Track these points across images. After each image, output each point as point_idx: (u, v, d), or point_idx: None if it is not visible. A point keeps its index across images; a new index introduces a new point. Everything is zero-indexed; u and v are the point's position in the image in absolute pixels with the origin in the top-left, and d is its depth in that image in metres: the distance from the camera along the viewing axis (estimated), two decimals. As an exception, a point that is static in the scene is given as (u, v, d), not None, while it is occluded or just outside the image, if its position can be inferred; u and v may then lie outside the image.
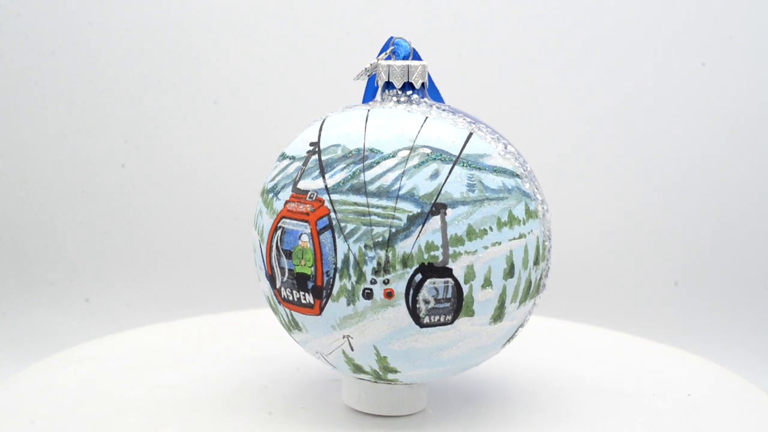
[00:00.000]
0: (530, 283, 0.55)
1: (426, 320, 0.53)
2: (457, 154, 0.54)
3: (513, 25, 1.21)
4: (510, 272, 0.54)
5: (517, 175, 0.55)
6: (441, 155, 0.53)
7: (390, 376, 0.56)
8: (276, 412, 0.62)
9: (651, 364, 0.74)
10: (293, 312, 0.55)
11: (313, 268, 0.53)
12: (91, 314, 1.18)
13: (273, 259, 0.55)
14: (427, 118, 0.55)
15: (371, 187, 0.53)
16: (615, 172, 1.22)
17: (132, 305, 1.19)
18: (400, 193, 0.52)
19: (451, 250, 0.52)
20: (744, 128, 1.20)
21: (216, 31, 1.22)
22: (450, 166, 0.53)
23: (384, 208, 0.52)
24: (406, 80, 0.58)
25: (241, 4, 1.21)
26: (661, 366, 0.74)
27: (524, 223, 0.54)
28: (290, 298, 0.55)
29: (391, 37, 0.58)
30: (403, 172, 0.53)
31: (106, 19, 1.21)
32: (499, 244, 0.53)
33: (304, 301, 0.54)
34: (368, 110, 0.56)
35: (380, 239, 0.52)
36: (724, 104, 1.20)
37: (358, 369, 0.56)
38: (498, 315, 0.54)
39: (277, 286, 0.55)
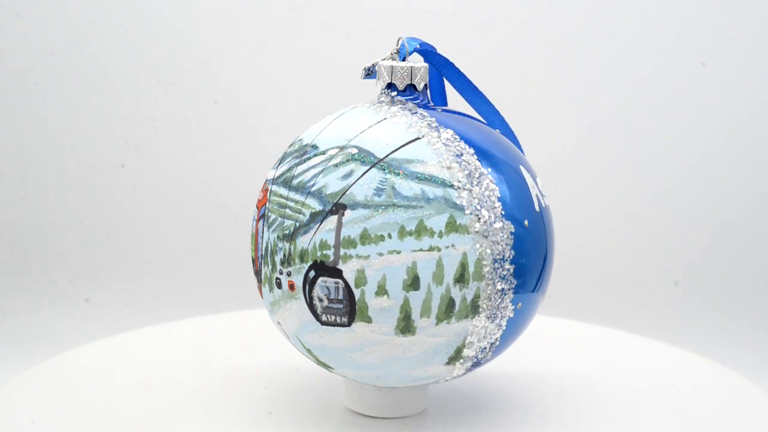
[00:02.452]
0: (451, 300, 0.52)
1: (324, 318, 0.53)
2: (381, 157, 0.53)
3: (513, 25, 1.21)
4: (413, 285, 0.51)
5: (450, 186, 0.52)
6: (364, 157, 0.53)
7: (334, 372, 0.57)
8: (276, 412, 0.62)
9: (651, 363, 0.74)
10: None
11: (253, 254, 0.57)
12: (91, 314, 1.18)
13: None
14: (384, 119, 0.55)
15: (294, 182, 0.54)
16: (615, 172, 1.22)
17: (132, 305, 1.19)
18: (312, 189, 0.53)
19: (342, 252, 0.52)
20: (744, 128, 1.20)
21: (216, 31, 1.22)
22: (367, 168, 0.53)
23: (296, 202, 0.54)
24: (408, 82, 0.57)
25: (241, 4, 1.21)
26: (662, 365, 0.74)
27: (441, 236, 0.51)
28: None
29: (412, 38, 0.58)
30: (322, 170, 0.53)
31: (106, 19, 1.21)
32: (398, 253, 0.51)
33: (256, 285, 0.58)
34: (351, 109, 0.57)
35: (287, 232, 0.54)
36: (724, 104, 1.20)
37: (314, 359, 0.57)
38: (405, 327, 0.52)
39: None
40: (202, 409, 0.62)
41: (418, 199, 0.52)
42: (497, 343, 0.55)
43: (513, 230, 0.53)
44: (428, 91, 0.59)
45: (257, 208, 0.57)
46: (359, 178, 0.52)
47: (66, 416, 0.61)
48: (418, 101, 0.57)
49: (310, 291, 0.53)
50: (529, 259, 0.54)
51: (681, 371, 0.73)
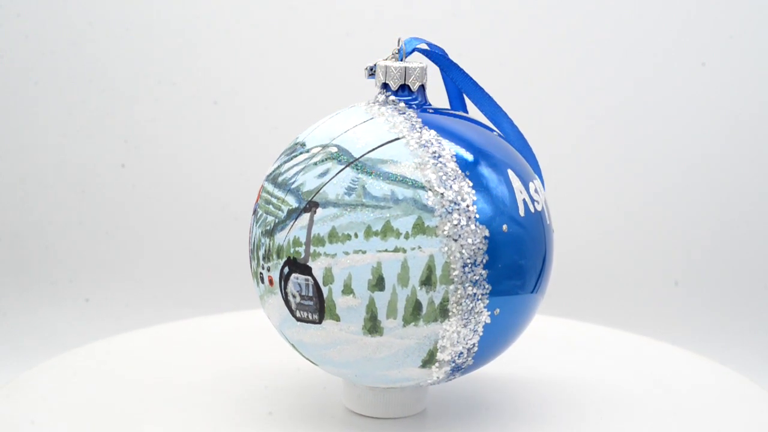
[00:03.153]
0: (417, 303, 0.52)
1: (297, 314, 0.54)
2: (357, 156, 0.53)
3: (513, 25, 1.21)
4: (378, 285, 0.52)
5: (421, 187, 0.52)
6: (341, 156, 0.53)
7: (320, 367, 0.57)
8: (276, 412, 0.62)
9: (652, 362, 0.74)
10: None
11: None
12: (91, 314, 1.18)
13: None
14: (371, 119, 0.55)
15: (280, 179, 0.55)
16: (615, 171, 1.22)
17: (132, 305, 1.19)
18: (292, 186, 0.54)
19: (312, 249, 0.52)
20: (744, 128, 1.20)
21: (216, 31, 1.22)
22: (342, 167, 0.53)
23: (278, 199, 0.55)
24: (402, 82, 0.57)
25: (241, 4, 1.21)
26: (662, 364, 0.74)
27: (408, 238, 0.51)
28: None
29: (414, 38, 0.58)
30: (303, 168, 0.54)
31: (106, 19, 1.21)
32: (364, 252, 0.51)
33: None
34: (348, 108, 0.58)
35: (268, 228, 0.55)
36: (724, 104, 1.20)
37: (299, 354, 0.58)
38: (372, 328, 0.52)
39: None
40: (202, 409, 0.62)
41: (386, 199, 0.52)
42: (475, 348, 0.54)
43: (487, 235, 0.52)
44: (425, 92, 0.58)
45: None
46: (333, 177, 0.53)
47: (66, 416, 0.61)
48: (412, 102, 0.57)
49: (285, 287, 0.54)
50: (509, 264, 0.53)
51: (681, 371, 0.73)
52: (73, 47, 1.21)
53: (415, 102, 0.57)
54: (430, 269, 0.51)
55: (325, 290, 0.52)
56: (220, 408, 0.63)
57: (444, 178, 0.52)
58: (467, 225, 0.52)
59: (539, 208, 0.55)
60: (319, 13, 1.21)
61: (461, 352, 0.54)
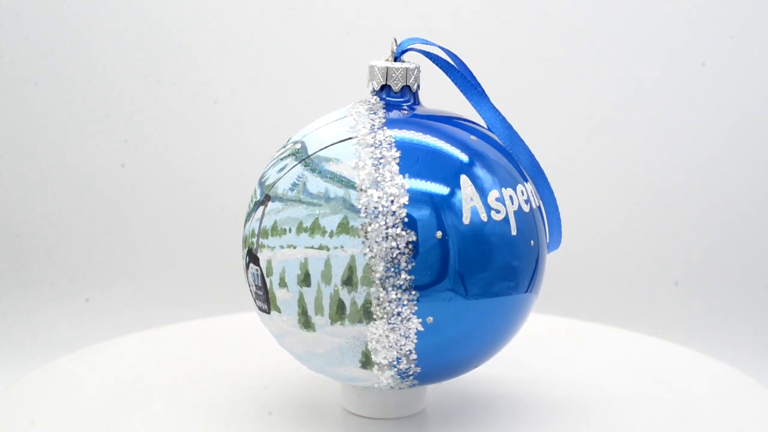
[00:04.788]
0: (341, 302, 0.52)
1: (256, 303, 0.56)
2: (309, 153, 0.54)
3: (513, 26, 1.21)
4: (305, 281, 0.52)
5: (353, 187, 0.51)
6: (300, 152, 0.55)
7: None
8: (276, 412, 0.62)
9: (652, 361, 0.74)
10: None
11: None
12: (91, 314, 1.18)
13: None
14: (344, 117, 0.56)
15: (262, 173, 0.57)
16: (615, 171, 1.22)
17: (132, 305, 1.19)
18: (262, 179, 0.56)
19: (261, 241, 0.54)
20: (744, 128, 1.20)
21: (216, 31, 1.22)
22: (296, 163, 0.54)
23: (254, 191, 0.56)
24: (383, 82, 0.57)
25: (241, 4, 1.21)
26: (663, 363, 0.74)
27: (332, 236, 0.51)
28: None
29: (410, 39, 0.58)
30: (274, 162, 0.56)
31: (106, 19, 1.21)
32: (294, 247, 0.52)
33: None
34: (342, 108, 0.58)
35: (245, 219, 0.57)
36: (724, 104, 1.20)
37: None
38: (305, 323, 0.53)
39: None
40: (203, 409, 0.62)
41: (320, 197, 0.52)
42: (413, 355, 0.53)
43: (414, 240, 0.51)
44: (413, 92, 0.57)
45: None
46: (287, 172, 0.54)
47: (66, 417, 0.61)
48: (403, 102, 0.57)
49: (247, 276, 0.56)
50: (444, 271, 0.51)
51: (682, 370, 0.73)
52: (73, 47, 1.21)
53: (407, 103, 0.57)
54: (351, 269, 0.51)
55: (268, 282, 0.54)
56: (221, 408, 0.63)
57: (379, 179, 0.51)
58: (392, 228, 0.51)
59: (499, 218, 0.53)
60: (319, 13, 1.21)
61: (398, 358, 0.53)
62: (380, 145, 0.53)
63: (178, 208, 1.23)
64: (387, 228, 0.51)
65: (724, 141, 1.20)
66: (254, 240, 0.54)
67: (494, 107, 0.58)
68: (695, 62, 1.19)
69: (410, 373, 0.54)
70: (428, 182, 0.52)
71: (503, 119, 0.58)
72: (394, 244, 0.51)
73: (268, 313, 0.55)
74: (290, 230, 0.52)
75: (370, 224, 0.51)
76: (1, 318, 1.17)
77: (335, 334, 0.53)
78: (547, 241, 0.58)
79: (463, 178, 0.53)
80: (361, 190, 0.51)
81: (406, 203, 0.51)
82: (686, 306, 1.19)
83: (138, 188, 1.23)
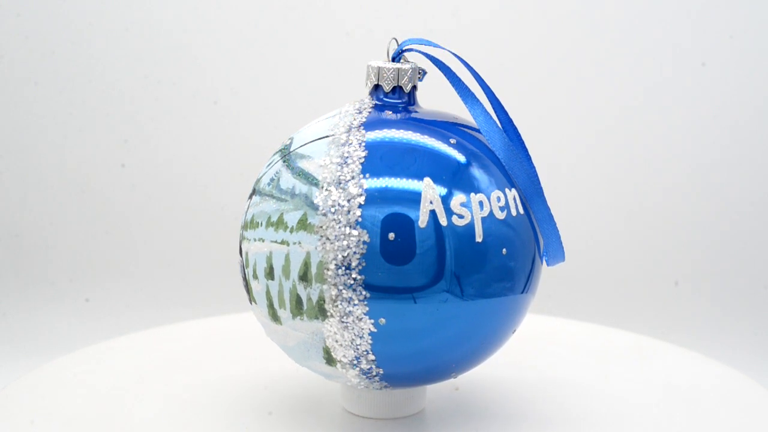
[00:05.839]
0: (299, 297, 0.52)
1: (246, 293, 0.57)
2: (291, 150, 0.56)
3: (513, 26, 1.21)
4: (270, 274, 0.53)
5: (316, 185, 0.52)
6: (285, 148, 0.56)
7: None
8: (276, 412, 0.62)
9: (652, 361, 0.74)
10: None
11: None
12: (91, 314, 1.18)
13: None
14: (334, 116, 0.56)
15: None
16: (614, 171, 1.22)
17: (132, 305, 1.19)
18: (258, 173, 0.58)
19: (242, 233, 0.56)
20: (744, 128, 1.20)
21: (216, 32, 1.22)
22: (279, 159, 0.56)
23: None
24: (375, 82, 0.57)
25: (241, 4, 1.21)
26: (663, 364, 0.74)
27: (292, 232, 0.52)
28: None
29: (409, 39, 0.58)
30: (271, 158, 0.57)
31: (106, 19, 1.21)
32: (263, 241, 0.54)
33: None
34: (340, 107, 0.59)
35: None
36: (724, 105, 1.20)
37: None
38: (273, 315, 0.54)
39: None
40: (203, 409, 0.62)
41: (287, 193, 0.53)
42: (371, 356, 0.53)
43: (367, 240, 0.51)
44: (405, 92, 0.57)
45: None
46: (271, 167, 0.56)
47: (66, 417, 0.61)
48: (398, 103, 0.57)
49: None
50: (396, 272, 0.51)
51: (682, 370, 0.73)
52: (73, 47, 1.21)
53: (401, 103, 0.57)
54: (306, 265, 0.52)
55: (246, 273, 0.56)
56: (220, 408, 0.63)
57: (341, 178, 0.52)
58: (346, 227, 0.51)
59: (462, 223, 0.52)
60: (319, 13, 1.21)
61: (357, 357, 0.53)
62: (350, 144, 0.53)
63: (178, 208, 1.23)
64: (341, 227, 0.51)
65: (724, 141, 1.20)
66: (242, 232, 0.56)
67: (488, 114, 0.57)
68: (695, 62, 1.19)
69: (374, 373, 0.54)
70: (389, 183, 0.52)
71: (496, 126, 0.57)
72: (346, 243, 0.51)
73: (251, 303, 0.57)
74: (261, 224, 0.54)
75: (326, 222, 0.51)
76: (1, 318, 1.17)
77: (297, 329, 0.54)
78: (541, 253, 0.57)
79: (426, 181, 0.52)
80: (323, 188, 0.52)
81: (362, 203, 0.51)
82: (686, 306, 1.19)
83: (138, 188, 1.23)
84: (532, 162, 0.57)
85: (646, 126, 1.21)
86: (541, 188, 0.56)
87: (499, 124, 0.58)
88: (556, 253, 0.56)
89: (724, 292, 1.19)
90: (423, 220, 0.51)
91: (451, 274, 0.52)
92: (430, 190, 0.52)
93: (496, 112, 0.59)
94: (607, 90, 1.21)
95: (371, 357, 0.53)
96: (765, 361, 1.12)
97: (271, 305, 0.54)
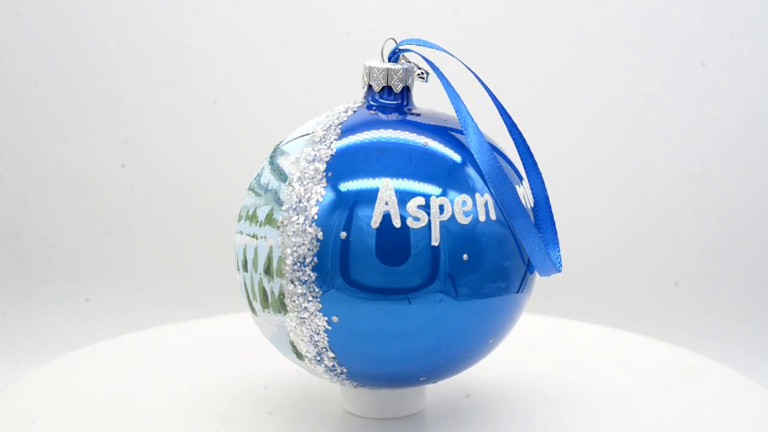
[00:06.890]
0: (264, 290, 0.54)
1: None
2: (277, 146, 0.57)
3: (513, 26, 1.21)
4: (245, 266, 0.55)
5: (284, 181, 0.53)
6: (277, 146, 0.57)
7: None
8: (276, 412, 0.62)
9: (652, 361, 0.74)
10: None
11: None
12: (91, 314, 1.18)
13: None
14: (326, 114, 0.57)
15: None
16: (614, 171, 1.22)
17: (132, 305, 1.19)
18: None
19: (236, 226, 0.58)
20: (744, 128, 1.20)
21: (216, 32, 1.22)
22: (270, 154, 0.58)
23: None
24: (367, 81, 0.58)
25: (241, 4, 1.21)
26: (663, 364, 0.74)
27: (260, 226, 0.54)
28: None
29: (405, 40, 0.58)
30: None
31: (106, 19, 1.21)
32: (242, 233, 0.56)
33: None
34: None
35: None
36: (724, 105, 1.20)
37: None
38: (251, 307, 0.56)
39: None
40: (203, 409, 0.62)
41: (263, 187, 0.55)
42: (330, 353, 0.53)
43: (320, 238, 0.51)
44: (396, 93, 0.57)
45: None
46: (264, 162, 0.57)
47: (66, 417, 0.61)
48: (392, 103, 0.57)
49: None
50: (348, 271, 0.51)
51: (682, 370, 0.73)
52: (73, 47, 1.21)
53: (394, 104, 0.57)
54: (269, 260, 0.53)
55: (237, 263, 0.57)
56: (220, 408, 0.63)
57: (306, 175, 0.53)
58: (303, 224, 0.52)
59: (417, 225, 0.51)
60: (319, 13, 1.21)
61: (319, 353, 0.54)
62: (323, 142, 0.54)
63: (178, 208, 1.23)
64: (299, 223, 0.52)
65: (724, 141, 1.20)
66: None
67: (474, 123, 0.55)
68: (695, 62, 1.19)
69: (339, 371, 0.55)
70: (348, 183, 0.52)
71: (482, 135, 0.55)
72: (301, 239, 0.52)
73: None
74: (243, 217, 0.56)
75: (288, 218, 0.52)
76: (1, 318, 1.17)
77: (268, 321, 0.55)
78: (527, 263, 0.55)
79: (385, 182, 0.52)
80: (290, 184, 0.53)
81: (320, 201, 0.52)
82: (686, 306, 1.19)
83: (138, 188, 1.23)
84: (519, 175, 0.58)
85: (646, 126, 1.21)
86: (521, 204, 0.54)
87: (504, 125, 0.59)
88: (543, 266, 0.55)
89: (724, 292, 1.19)
90: (375, 221, 0.52)
91: (406, 276, 0.52)
92: (386, 191, 0.52)
93: (499, 112, 0.59)
94: (606, 90, 1.21)
95: (331, 354, 0.54)
96: (765, 361, 1.12)
97: (247, 296, 0.56)
